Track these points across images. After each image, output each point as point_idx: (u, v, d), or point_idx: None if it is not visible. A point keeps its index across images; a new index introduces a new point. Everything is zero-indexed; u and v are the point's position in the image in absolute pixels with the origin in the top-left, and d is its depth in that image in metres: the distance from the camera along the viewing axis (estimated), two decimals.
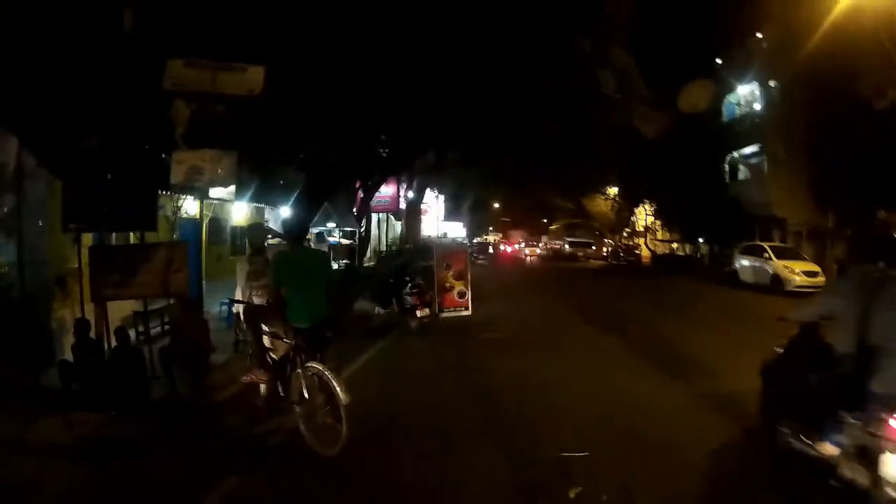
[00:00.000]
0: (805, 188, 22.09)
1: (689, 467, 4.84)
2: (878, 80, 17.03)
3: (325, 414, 4.97)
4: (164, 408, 6.36)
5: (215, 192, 12.30)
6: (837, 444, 4.17)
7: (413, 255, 15.74)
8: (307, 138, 14.36)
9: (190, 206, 12.52)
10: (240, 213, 15.72)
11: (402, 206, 27.76)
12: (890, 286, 4.01)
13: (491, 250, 44.73)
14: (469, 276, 13.91)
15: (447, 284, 13.61)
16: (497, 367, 8.70)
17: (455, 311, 13.57)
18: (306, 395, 5.10)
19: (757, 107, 27.56)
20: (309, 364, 5.08)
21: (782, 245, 21.33)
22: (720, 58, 28.37)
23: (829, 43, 17.19)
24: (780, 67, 23.55)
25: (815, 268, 18.90)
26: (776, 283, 18.93)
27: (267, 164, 14.26)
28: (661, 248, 44.14)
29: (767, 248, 20.51)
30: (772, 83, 25.99)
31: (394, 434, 5.65)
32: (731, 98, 29.54)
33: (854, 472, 3.96)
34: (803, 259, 19.80)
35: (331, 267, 6.42)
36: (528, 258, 45.55)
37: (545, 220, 60.91)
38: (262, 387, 5.61)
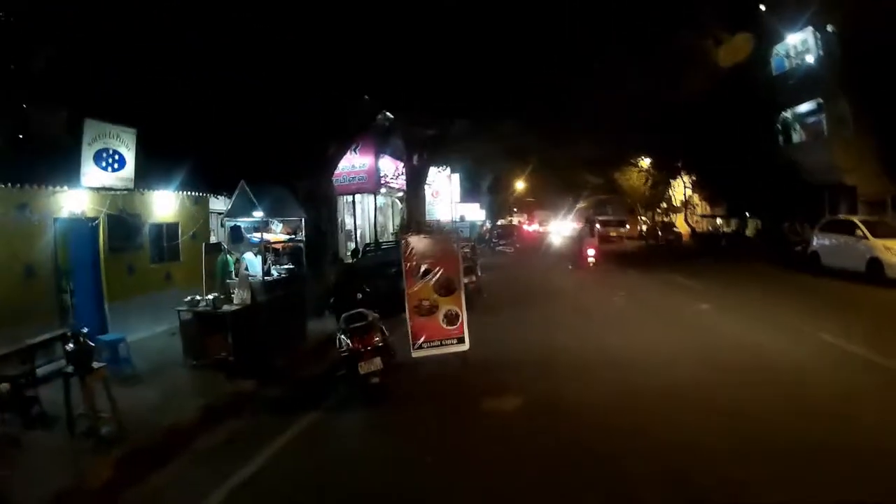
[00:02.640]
0: (880, 151, 18.33)
1: None
2: None
3: None
4: None
5: (104, 179, 9.10)
6: None
7: (372, 256, 11.23)
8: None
9: (77, 202, 9.42)
10: (165, 206, 11.95)
11: (400, 184, 23.44)
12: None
13: (514, 234, 40.94)
14: (462, 287, 8.72)
15: (425, 303, 8.45)
16: None
17: (439, 345, 8.43)
18: None
19: (810, 58, 23.35)
20: None
21: (878, 220, 16.95)
22: (764, 3, 24.44)
23: None
24: (842, 9, 20.00)
25: None
26: (875, 269, 14.74)
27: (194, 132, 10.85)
28: (702, 225, 40.47)
29: (860, 223, 16.22)
30: (830, 28, 21.92)
31: None
32: (779, 49, 25.32)
33: None
34: None
35: None
36: (551, 240, 41.55)
37: (571, 199, 56.70)
38: None
